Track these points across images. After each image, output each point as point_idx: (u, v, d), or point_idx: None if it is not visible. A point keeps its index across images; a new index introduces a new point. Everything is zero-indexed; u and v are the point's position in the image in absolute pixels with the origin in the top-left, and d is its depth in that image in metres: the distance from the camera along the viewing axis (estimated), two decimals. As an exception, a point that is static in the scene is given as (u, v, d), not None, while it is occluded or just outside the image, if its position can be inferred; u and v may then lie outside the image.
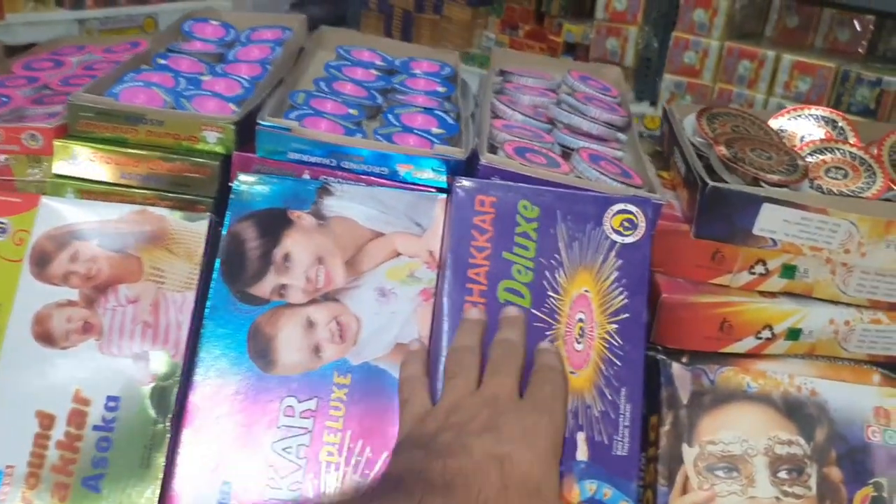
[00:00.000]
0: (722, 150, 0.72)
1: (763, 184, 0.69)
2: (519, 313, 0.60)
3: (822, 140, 0.79)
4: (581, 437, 0.59)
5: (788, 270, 0.68)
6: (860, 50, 2.38)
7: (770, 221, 0.65)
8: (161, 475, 0.60)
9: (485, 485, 0.50)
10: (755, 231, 0.66)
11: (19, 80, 0.81)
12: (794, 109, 0.82)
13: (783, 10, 2.49)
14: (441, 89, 0.87)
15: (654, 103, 2.49)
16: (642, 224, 0.63)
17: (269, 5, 2.99)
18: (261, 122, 0.67)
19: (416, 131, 0.74)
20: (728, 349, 0.68)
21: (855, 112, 2.21)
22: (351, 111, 0.77)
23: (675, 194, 0.74)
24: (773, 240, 0.66)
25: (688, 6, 2.36)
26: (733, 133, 0.76)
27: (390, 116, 0.78)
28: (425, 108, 0.80)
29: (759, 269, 0.69)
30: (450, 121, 0.78)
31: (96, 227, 0.65)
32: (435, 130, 0.76)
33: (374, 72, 0.88)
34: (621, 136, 0.81)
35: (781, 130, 0.80)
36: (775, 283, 0.69)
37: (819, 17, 2.45)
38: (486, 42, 2.89)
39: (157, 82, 0.75)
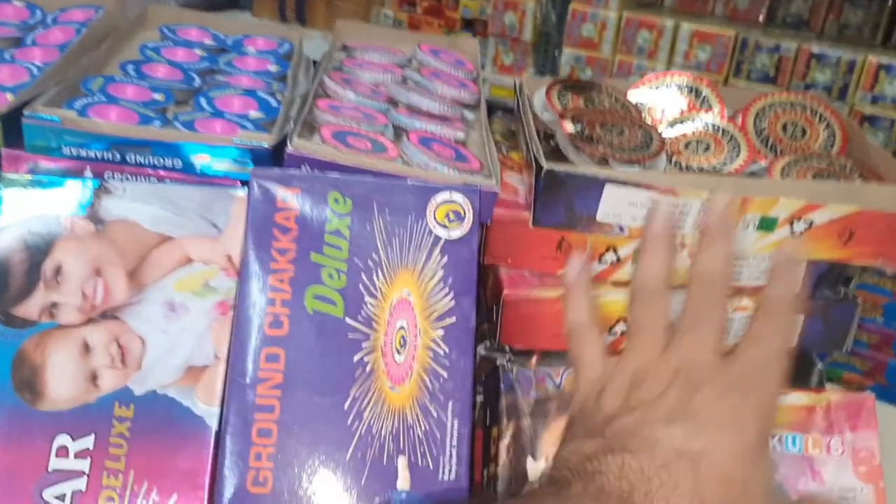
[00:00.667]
0: (568, 126, 0.65)
1: (611, 163, 0.62)
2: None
3: (682, 112, 0.73)
4: (402, 462, 0.51)
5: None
6: (759, 18, 2.37)
7: (614, 205, 0.58)
8: None
9: (673, 494, 0.40)
10: (599, 217, 0.59)
11: None
12: (656, 77, 0.76)
13: (682, -22, 2.45)
14: (273, 68, 0.78)
15: (555, 78, 2.43)
16: (469, 215, 0.56)
17: None
18: (26, 112, 0.57)
19: (226, 116, 0.65)
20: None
21: (755, 79, 2.19)
22: (156, 96, 0.68)
23: (520, 178, 0.67)
24: (619, 226, 0.59)
25: (585, -23, 2.30)
26: (585, 107, 0.69)
27: (202, 100, 0.68)
28: (246, 91, 0.71)
29: (610, 256, 0.62)
30: (273, 104, 0.69)
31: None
32: (253, 114, 0.67)
33: (198, 51, 0.79)
34: (468, 114, 0.73)
35: (640, 103, 0.73)
36: (629, 271, 0.62)
37: (719, -17, 2.42)
38: (385, 20, 2.79)
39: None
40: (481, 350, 0.62)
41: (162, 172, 0.58)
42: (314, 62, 0.85)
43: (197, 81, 0.73)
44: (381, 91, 0.75)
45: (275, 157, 0.59)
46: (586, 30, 2.32)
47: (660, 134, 0.67)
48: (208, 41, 0.82)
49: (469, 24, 2.59)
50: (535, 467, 0.56)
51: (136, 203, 0.56)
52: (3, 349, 0.53)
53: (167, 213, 0.56)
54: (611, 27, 2.29)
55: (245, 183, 0.58)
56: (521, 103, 0.70)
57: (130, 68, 0.72)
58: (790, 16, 2.39)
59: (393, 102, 0.73)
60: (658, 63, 2.26)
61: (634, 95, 0.74)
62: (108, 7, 0.82)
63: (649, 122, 0.70)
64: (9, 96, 0.63)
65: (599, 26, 2.30)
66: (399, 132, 0.67)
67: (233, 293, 0.55)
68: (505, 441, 0.56)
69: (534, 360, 0.61)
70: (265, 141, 0.59)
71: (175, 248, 0.55)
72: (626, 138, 0.65)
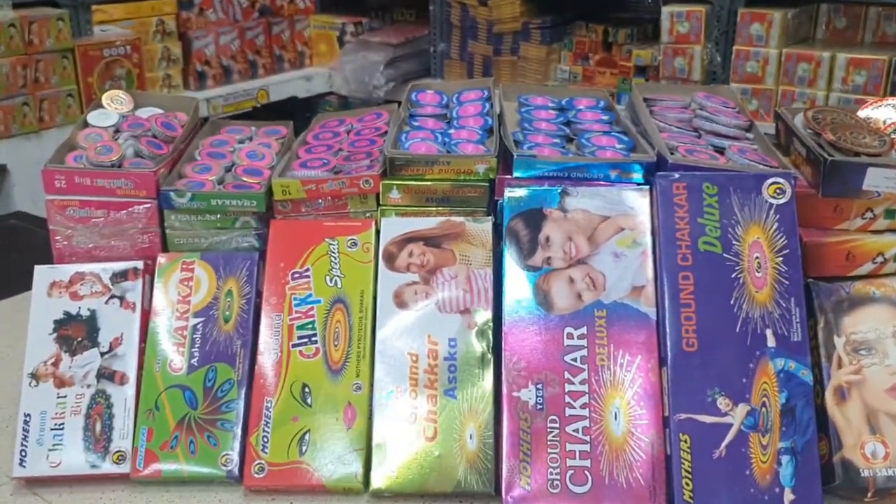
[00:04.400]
0: (829, 135, 1.02)
1: (863, 156, 0.99)
2: None
3: (898, 121, 1.09)
4: (769, 332, 0.89)
5: (890, 213, 0.98)
6: (907, 41, 2.66)
7: (874, 180, 0.95)
8: (491, 378, 0.92)
9: None
10: (864, 188, 0.96)
11: (320, 148, 1.15)
12: (875, 102, 1.13)
13: (831, 14, 2.78)
14: (604, 117, 1.19)
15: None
16: (789, 190, 0.94)
17: (367, 67, 3.37)
18: (517, 153, 1.00)
19: (608, 148, 1.06)
20: (853, 273, 0.98)
21: (909, 97, 2.48)
22: (556, 141, 1.10)
23: (798, 171, 1.05)
24: (877, 192, 0.96)
25: (745, 22, 2.66)
26: (833, 123, 1.07)
27: (583, 140, 1.10)
28: (604, 132, 1.12)
29: (869, 214, 0.99)
30: (625, 138, 1.10)
31: (421, 233, 0.98)
32: (618, 146, 1.08)
33: (552, 112, 1.21)
34: (748, 135, 1.12)
35: (868, 118, 1.10)
36: (881, 223, 0.99)
37: (865, 14, 2.73)
38: (561, 74, 3.22)
39: (423, 137, 1.09)
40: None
41: (594, 182, 0.99)
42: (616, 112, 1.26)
43: (566, 129, 1.14)
44: (685, 124, 1.14)
45: (649, 168, 1.00)
46: (750, 66, 2.67)
47: (889, 136, 1.04)
48: (550, 104, 1.23)
49: (641, 71, 2.99)
50: (839, 341, 0.93)
51: (585, 199, 0.97)
52: (526, 283, 0.94)
53: (603, 203, 0.97)
54: (773, 62, 2.64)
55: (641, 183, 0.99)
56: (788, 124, 1.08)
57: (526, 125, 1.15)
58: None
59: (697, 131, 1.12)
60: (818, 90, 2.59)
61: (863, 114, 1.11)
62: (490, 87, 1.25)
63: (879, 130, 1.07)
64: (482, 147, 1.06)
65: (762, 62, 2.65)
66: (718, 148, 1.07)
67: (650, 245, 0.95)
68: (820, 325, 0.94)
69: (826, 282, 0.98)
70: (649, 158, 1.00)
71: (612, 222, 0.96)
72: (867, 140, 1.02)
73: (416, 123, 1.15)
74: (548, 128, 1.14)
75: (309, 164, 1.09)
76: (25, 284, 1.51)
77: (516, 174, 1.01)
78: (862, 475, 0.88)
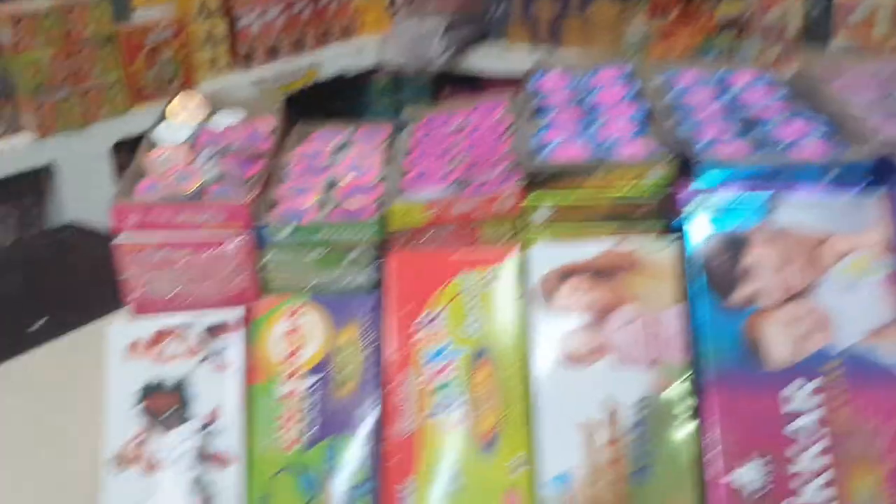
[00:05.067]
0: None
1: None
2: None
3: None
4: None
5: None
6: None
7: None
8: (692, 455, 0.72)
9: None
10: None
11: (431, 154, 0.94)
12: None
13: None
14: (776, 94, 0.96)
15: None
16: None
17: (423, 37, 3.14)
18: (698, 156, 0.79)
19: (804, 140, 0.84)
20: None
21: None
22: (732, 131, 0.88)
23: None
24: None
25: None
26: None
27: (765, 128, 0.87)
28: (786, 116, 0.90)
29: None
30: (821, 125, 0.88)
31: (583, 264, 0.78)
32: (815, 136, 0.86)
33: (709, 89, 0.98)
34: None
35: None
36: None
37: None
38: (636, 34, 2.96)
39: (563, 136, 0.88)
40: None
41: (813, 189, 0.78)
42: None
43: (744, 114, 0.92)
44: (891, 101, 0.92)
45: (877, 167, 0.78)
46: (854, 18, 2.40)
47: None
48: (704, 77, 1.01)
49: (728, 26, 2.72)
50: None
51: (797, 212, 0.76)
52: (730, 327, 0.73)
53: (822, 216, 0.75)
54: (882, 10, 2.36)
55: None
56: None
57: (686, 110, 0.93)
58: None
59: None
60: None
61: None
62: (634, 64, 1.03)
63: None
64: (642, 144, 0.85)
65: (870, 11, 2.38)
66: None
67: (890, 269, 0.73)
68: None
69: None
70: (877, 153, 0.78)
71: (833, 243, 0.75)
72: None
73: (547, 117, 0.94)
74: (712, 114, 0.93)
75: (424, 177, 0.89)
76: (82, 316, 1.35)
77: (700, 184, 0.79)
78: None
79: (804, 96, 0.99)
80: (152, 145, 0.91)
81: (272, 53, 3.31)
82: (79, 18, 2.58)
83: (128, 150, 3.03)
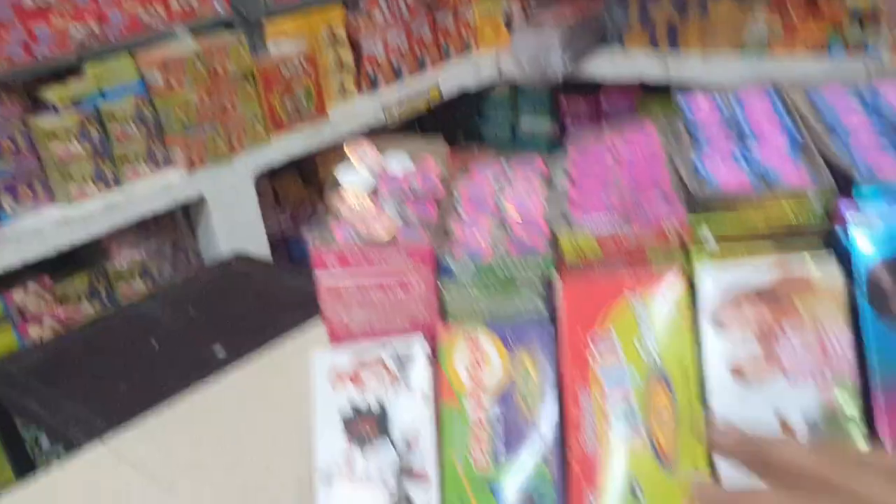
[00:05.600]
0: None
1: None
2: None
3: None
4: None
5: None
6: None
7: None
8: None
9: None
10: None
11: (591, 183, 1.00)
12: None
13: None
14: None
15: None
16: None
17: (543, 50, 3.20)
18: (858, 179, 0.82)
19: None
20: None
21: None
22: (884, 146, 0.91)
23: None
24: None
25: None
26: None
27: (924, 146, 0.90)
28: None
29: None
30: None
31: (752, 285, 0.82)
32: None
33: (855, 106, 1.01)
34: None
35: None
36: None
37: None
38: (758, 31, 2.94)
39: (721, 159, 0.92)
40: None
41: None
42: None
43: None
44: None
45: None
46: None
47: None
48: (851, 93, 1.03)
49: (857, 20, 2.67)
50: None
51: (964, 228, 0.78)
52: (898, 342, 0.77)
53: None
54: None
55: None
56: None
57: (834, 125, 0.96)
58: None
59: None
60: None
61: None
62: (776, 86, 1.07)
63: None
64: (803, 168, 0.89)
65: None
66: None
67: None
68: None
69: None
70: None
71: None
72: None
73: (702, 141, 0.99)
74: (865, 131, 0.95)
75: (588, 207, 0.95)
76: (257, 341, 1.47)
77: (863, 205, 0.83)
78: None
79: None
80: (339, 189, 1.01)
81: (396, 75, 3.43)
82: (220, 58, 2.76)
83: (267, 178, 3.21)
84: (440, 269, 0.91)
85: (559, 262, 0.90)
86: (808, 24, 2.80)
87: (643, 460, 0.82)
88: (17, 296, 2.49)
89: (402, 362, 0.90)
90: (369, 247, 0.90)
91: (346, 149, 1.06)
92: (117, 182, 2.65)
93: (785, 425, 0.78)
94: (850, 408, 0.78)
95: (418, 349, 0.90)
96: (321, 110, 3.08)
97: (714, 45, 2.97)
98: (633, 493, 0.81)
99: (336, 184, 1.01)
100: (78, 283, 2.64)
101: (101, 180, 2.62)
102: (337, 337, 0.94)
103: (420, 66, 3.49)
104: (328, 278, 0.91)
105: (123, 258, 2.73)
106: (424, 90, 3.41)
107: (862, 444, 0.77)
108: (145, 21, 2.72)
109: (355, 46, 3.28)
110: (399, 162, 1.06)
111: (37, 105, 2.59)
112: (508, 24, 3.58)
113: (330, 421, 0.90)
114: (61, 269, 2.63)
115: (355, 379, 0.90)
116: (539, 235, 0.93)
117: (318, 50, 3.14)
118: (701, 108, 1.07)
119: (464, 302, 0.92)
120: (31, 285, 2.53)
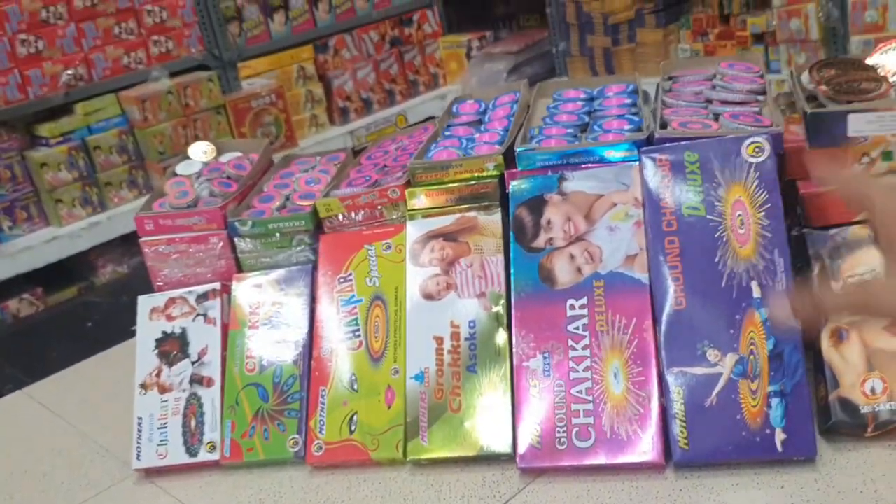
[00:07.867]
0: (823, 88, 1.05)
1: (856, 103, 1.01)
2: None
3: (905, 63, 1.09)
4: (754, 284, 0.94)
5: (887, 155, 1.00)
6: None
7: (858, 126, 0.97)
8: (508, 356, 1.02)
9: None
10: (850, 134, 0.98)
11: (369, 167, 1.30)
12: (883, 46, 1.12)
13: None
14: (628, 101, 1.26)
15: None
16: (767, 148, 0.98)
17: (491, 77, 3.50)
18: (517, 149, 1.10)
19: (612, 131, 1.14)
20: (858, 218, 1.00)
21: None
22: (569, 131, 1.19)
23: (799, 127, 1.07)
24: (864, 137, 0.98)
25: (859, -30, 2.56)
26: (836, 75, 1.09)
27: (595, 126, 1.18)
28: (618, 115, 1.19)
29: (866, 159, 1.00)
30: (636, 119, 1.17)
31: (440, 230, 1.10)
32: (626, 128, 1.15)
33: (580, 103, 1.29)
34: (761, 97, 1.15)
35: (877, 64, 1.11)
36: (881, 166, 1.00)
37: None
38: (682, 54, 3.21)
39: (449, 145, 1.21)
40: (794, 232, 1.02)
41: (590, 165, 1.07)
42: (646, 92, 1.32)
43: (586, 119, 1.22)
44: (701, 96, 1.19)
45: (645, 145, 1.06)
46: (869, 16, 2.56)
47: (887, 80, 1.04)
48: (582, 95, 1.32)
49: (759, 38, 2.93)
50: (836, 286, 0.96)
51: (580, 181, 1.06)
52: (531, 264, 1.04)
53: (597, 183, 1.05)
54: (893, 8, 2.51)
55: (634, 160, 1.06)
56: (793, 82, 1.11)
57: (547, 120, 1.24)
58: None
59: (708, 100, 1.17)
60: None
61: (872, 60, 1.11)
62: (522, 91, 1.35)
63: (882, 75, 1.07)
64: (497, 147, 1.17)
65: (881, 10, 2.53)
66: (717, 115, 1.11)
67: (641, 216, 1.02)
68: (814, 272, 0.97)
69: (831, 231, 1.00)
70: (641, 136, 1.07)
71: (606, 199, 1.04)
72: (863, 86, 1.03)
73: (448, 133, 1.28)
74: (568, 119, 1.23)
75: (354, 182, 1.25)
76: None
77: (520, 167, 1.11)
78: (861, 412, 0.91)
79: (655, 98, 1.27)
80: (173, 175, 1.32)
81: (367, 107, 3.76)
82: (194, 93, 3.12)
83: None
84: (231, 229, 1.20)
85: (322, 222, 1.20)
86: (724, 45, 3.06)
87: (360, 359, 1.10)
88: (13, 305, 2.85)
89: (200, 300, 1.19)
90: (176, 213, 1.20)
91: (188, 148, 1.37)
92: (102, 205, 3.01)
93: (454, 326, 1.06)
94: (499, 307, 1.05)
95: (213, 291, 1.19)
96: (291, 139, 3.42)
97: (644, 68, 3.24)
98: (351, 385, 1.09)
99: (172, 174, 1.33)
100: (67, 295, 3.00)
101: (89, 203, 2.98)
102: (160, 288, 1.24)
103: (389, 98, 3.82)
104: (148, 239, 1.22)
105: (108, 272, 3.08)
106: (391, 118, 3.73)
107: (504, 335, 1.04)
108: (126, 63, 3.10)
109: (325, 81, 3.62)
110: (230, 156, 1.37)
111: (34, 140, 2.97)
112: (469, 58, 3.90)
113: (147, 345, 1.20)
114: (53, 281, 2.98)
115: (166, 313, 1.20)
116: (310, 202, 1.22)
117: (289, 85, 3.49)
118: (465, 110, 1.36)
119: (253, 256, 1.22)
120: (26, 296, 2.89)
